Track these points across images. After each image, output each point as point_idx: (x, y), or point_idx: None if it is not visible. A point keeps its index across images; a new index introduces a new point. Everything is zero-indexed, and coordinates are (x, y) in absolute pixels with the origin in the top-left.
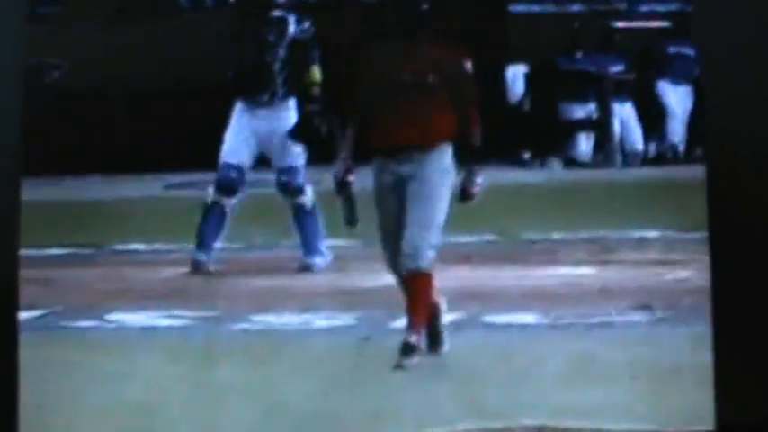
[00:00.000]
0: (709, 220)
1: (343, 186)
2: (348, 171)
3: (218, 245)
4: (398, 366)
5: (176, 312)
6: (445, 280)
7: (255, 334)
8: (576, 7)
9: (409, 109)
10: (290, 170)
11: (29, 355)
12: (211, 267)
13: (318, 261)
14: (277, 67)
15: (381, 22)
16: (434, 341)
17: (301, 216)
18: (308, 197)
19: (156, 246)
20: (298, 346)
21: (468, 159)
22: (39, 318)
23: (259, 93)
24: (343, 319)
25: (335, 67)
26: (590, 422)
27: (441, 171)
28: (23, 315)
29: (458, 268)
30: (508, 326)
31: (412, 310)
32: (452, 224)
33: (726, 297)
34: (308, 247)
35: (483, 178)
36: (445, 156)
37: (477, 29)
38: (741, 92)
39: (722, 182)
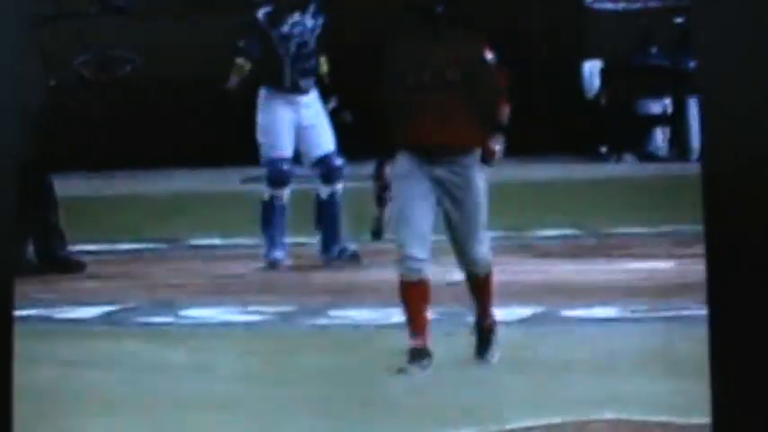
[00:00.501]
0: (706, 219)
1: (382, 203)
2: (385, 188)
3: (287, 239)
4: (481, 359)
5: (252, 308)
6: (524, 274)
7: (333, 329)
8: (651, 3)
9: (437, 109)
10: (335, 155)
11: (103, 350)
12: (287, 262)
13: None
14: (316, 52)
15: (402, 21)
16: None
17: (337, 203)
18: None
19: (233, 240)
20: (376, 341)
21: (490, 129)
22: (113, 313)
23: (304, 80)
24: None
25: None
26: (669, 416)
27: (480, 173)
28: (98, 310)
29: (537, 262)
30: (587, 319)
31: (484, 308)
32: (531, 219)
33: (723, 295)
34: (337, 237)
35: (503, 145)
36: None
37: (554, 25)
38: (740, 90)
39: (720, 179)
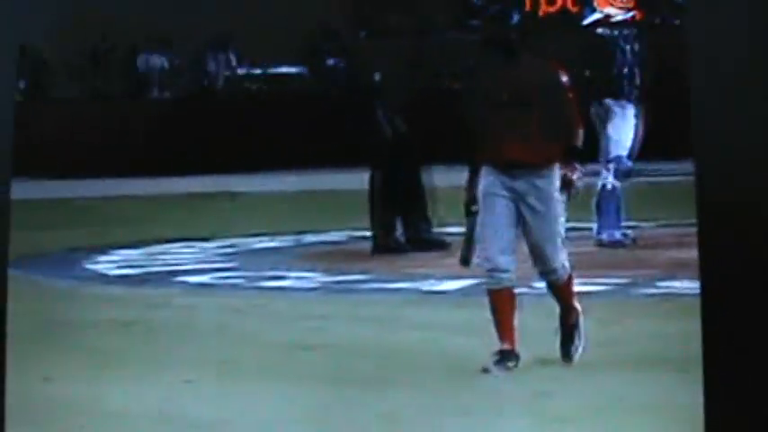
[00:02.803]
0: (699, 220)
1: (470, 215)
2: (473, 201)
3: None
4: (566, 357)
5: (599, 280)
6: None
7: (658, 297)
8: None
9: (514, 127)
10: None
11: (464, 318)
12: (628, 242)
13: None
14: None
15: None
16: (567, 348)
17: (619, 196)
18: None
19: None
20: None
21: (567, 156)
22: (473, 286)
23: None
24: None
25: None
26: None
27: (556, 188)
28: (461, 283)
29: None
30: None
31: (565, 307)
32: None
33: (717, 300)
34: (614, 224)
35: (582, 173)
36: (558, 174)
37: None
38: (731, 87)
39: (712, 180)
